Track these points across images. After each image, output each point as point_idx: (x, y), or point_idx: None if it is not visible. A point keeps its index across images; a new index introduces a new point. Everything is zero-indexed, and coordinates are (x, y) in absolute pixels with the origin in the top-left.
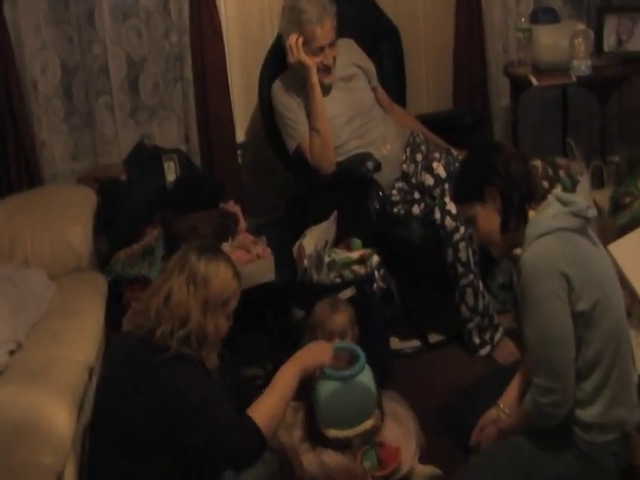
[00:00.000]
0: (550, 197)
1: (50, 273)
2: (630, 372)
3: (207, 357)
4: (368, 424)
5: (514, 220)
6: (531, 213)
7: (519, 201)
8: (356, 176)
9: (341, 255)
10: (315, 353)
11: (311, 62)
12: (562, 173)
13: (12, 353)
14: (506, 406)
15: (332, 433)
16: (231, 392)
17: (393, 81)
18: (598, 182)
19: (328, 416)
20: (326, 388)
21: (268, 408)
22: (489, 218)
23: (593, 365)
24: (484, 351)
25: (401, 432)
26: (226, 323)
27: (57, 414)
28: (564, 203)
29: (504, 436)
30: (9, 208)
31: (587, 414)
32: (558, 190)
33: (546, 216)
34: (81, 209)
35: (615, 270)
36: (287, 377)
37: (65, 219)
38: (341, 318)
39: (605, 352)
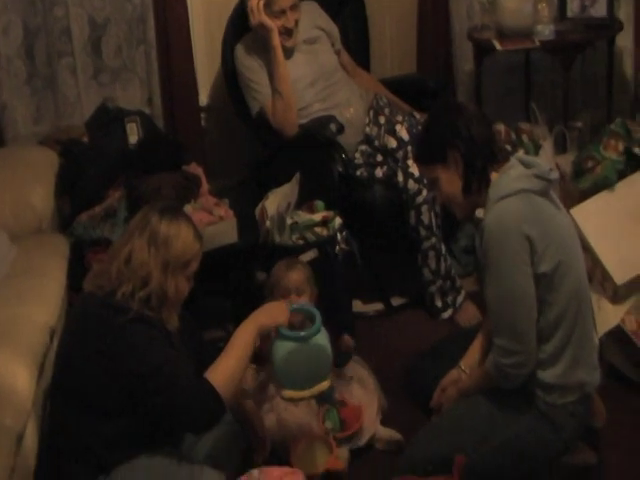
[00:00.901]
0: (512, 159)
1: (11, 234)
2: (591, 334)
3: (168, 319)
4: (324, 385)
5: (476, 182)
6: (493, 175)
7: (481, 163)
8: (319, 139)
9: (303, 217)
10: (271, 313)
11: (272, 25)
12: (525, 137)
13: None
14: (467, 367)
15: (288, 394)
16: (192, 354)
17: (357, 45)
18: (561, 147)
19: (284, 377)
20: (282, 349)
21: (226, 369)
22: (451, 180)
23: (555, 326)
24: (446, 314)
25: (363, 394)
26: (187, 285)
27: (17, 375)
28: (527, 165)
29: (465, 396)
30: None
31: (548, 375)
32: (521, 153)
33: (509, 178)
34: (43, 170)
35: (575, 232)
36: (244, 337)
37: (26, 180)
38: (297, 275)
39: (567, 313)
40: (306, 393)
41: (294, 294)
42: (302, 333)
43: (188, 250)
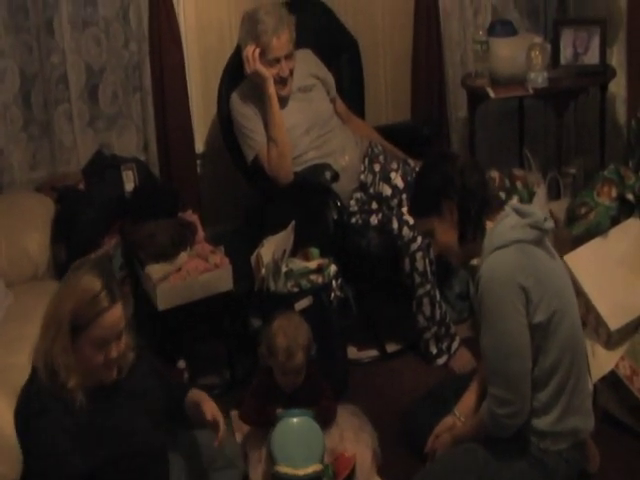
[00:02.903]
0: (507, 208)
1: (7, 281)
2: (585, 380)
3: (75, 387)
4: (317, 467)
5: (471, 231)
6: (488, 224)
7: (476, 212)
8: (314, 186)
9: (299, 265)
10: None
11: (267, 73)
12: (519, 184)
13: None
14: (462, 414)
15: (282, 469)
16: (153, 395)
17: (352, 92)
18: (554, 193)
19: (279, 452)
20: (279, 427)
21: None
22: (446, 230)
23: (550, 374)
24: (441, 360)
25: (357, 444)
26: (97, 354)
27: (11, 423)
28: (522, 214)
29: (459, 443)
30: None
31: (542, 423)
32: (515, 201)
33: (503, 228)
34: (39, 217)
35: (569, 281)
36: None
37: (23, 227)
38: (299, 358)
39: (562, 361)
40: (300, 472)
41: (292, 375)
42: (297, 411)
43: (81, 310)
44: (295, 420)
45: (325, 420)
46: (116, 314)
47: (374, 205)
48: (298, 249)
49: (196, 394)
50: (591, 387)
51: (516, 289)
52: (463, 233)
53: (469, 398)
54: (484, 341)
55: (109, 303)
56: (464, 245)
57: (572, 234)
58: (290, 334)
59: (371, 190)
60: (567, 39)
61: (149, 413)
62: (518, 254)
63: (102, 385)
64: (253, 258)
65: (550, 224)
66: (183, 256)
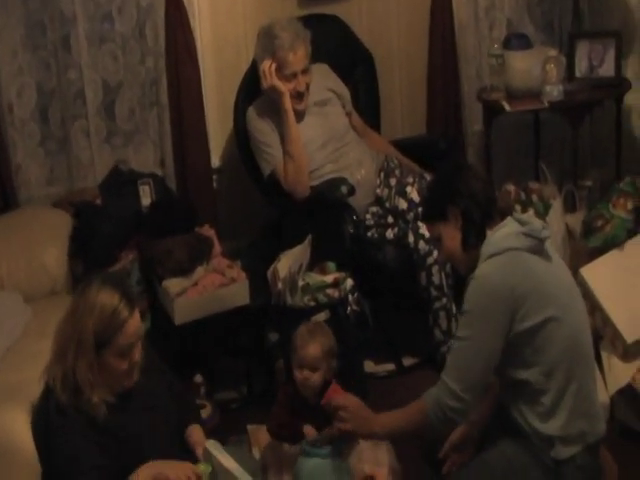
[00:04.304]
0: (509, 217)
1: (25, 296)
2: (589, 386)
3: (97, 402)
4: None
5: (474, 238)
6: (488, 232)
7: (479, 218)
8: (330, 200)
9: (315, 279)
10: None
11: (284, 88)
12: (535, 197)
13: None
14: (476, 423)
15: None
16: (165, 407)
17: (367, 106)
18: (570, 206)
19: None
20: (305, 463)
21: None
22: (452, 236)
23: (547, 378)
24: None
25: (375, 459)
26: (121, 362)
27: (29, 437)
28: (521, 223)
29: (476, 455)
30: None
31: (550, 427)
32: (530, 213)
33: (499, 236)
34: (56, 232)
35: (574, 288)
36: None
37: (40, 242)
38: (314, 350)
39: (559, 366)
40: None
41: (307, 370)
42: (323, 450)
43: (103, 326)
44: (322, 461)
45: (348, 445)
46: (137, 321)
47: (390, 219)
48: (315, 263)
49: (195, 434)
50: (604, 395)
51: (502, 297)
52: (466, 238)
53: (483, 408)
54: (457, 335)
55: (129, 312)
56: (468, 251)
57: (588, 247)
58: (312, 330)
59: (387, 204)
60: (582, 52)
61: (163, 422)
62: (509, 262)
63: (121, 393)
64: (270, 272)
65: (546, 232)
66: (200, 271)
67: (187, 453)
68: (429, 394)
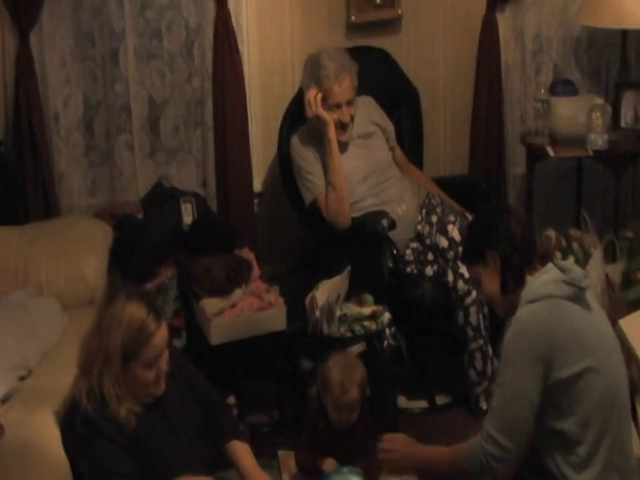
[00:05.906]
0: (550, 264)
1: (63, 304)
2: (625, 438)
3: (127, 411)
4: None
5: (512, 282)
6: (529, 278)
7: (518, 264)
8: (371, 233)
9: (353, 310)
10: None
11: (328, 118)
12: (575, 245)
13: (22, 379)
14: None
15: None
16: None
17: (411, 142)
18: (610, 256)
19: None
20: None
21: None
22: (491, 279)
23: (582, 431)
24: None
25: None
26: (148, 372)
27: (58, 441)
28: (562, 271)
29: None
30: (27, 235)
31: (583, 478)
32: (571, 261)
33: (539, 282)
34: (97, 243)
35: (613, 338)
36: None
37: (81, 251)
38: (353, 393)
39: (594, 418)
40: None
41: (346, 413)
42: (345, 469)
43: (130, 340)
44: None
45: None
46: (164, 332)
47: (430, 256)
48: (352, 294)
49: (239, 451)
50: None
51: (541, 344)
52: (505, 283)
53: None
54: (497, 383)
55: (157, 325)
56: (507, 296)
57: (628, 298)
58: (345, 369)
59: (427, 241)
60: (628, 102)
61: (189, 432)
62: (547, 309)
63: (149, 404)
64: (308, 300)
65: (587, 282)
66: (238, 293)
67: (215, 465)
68: (474, 440)
